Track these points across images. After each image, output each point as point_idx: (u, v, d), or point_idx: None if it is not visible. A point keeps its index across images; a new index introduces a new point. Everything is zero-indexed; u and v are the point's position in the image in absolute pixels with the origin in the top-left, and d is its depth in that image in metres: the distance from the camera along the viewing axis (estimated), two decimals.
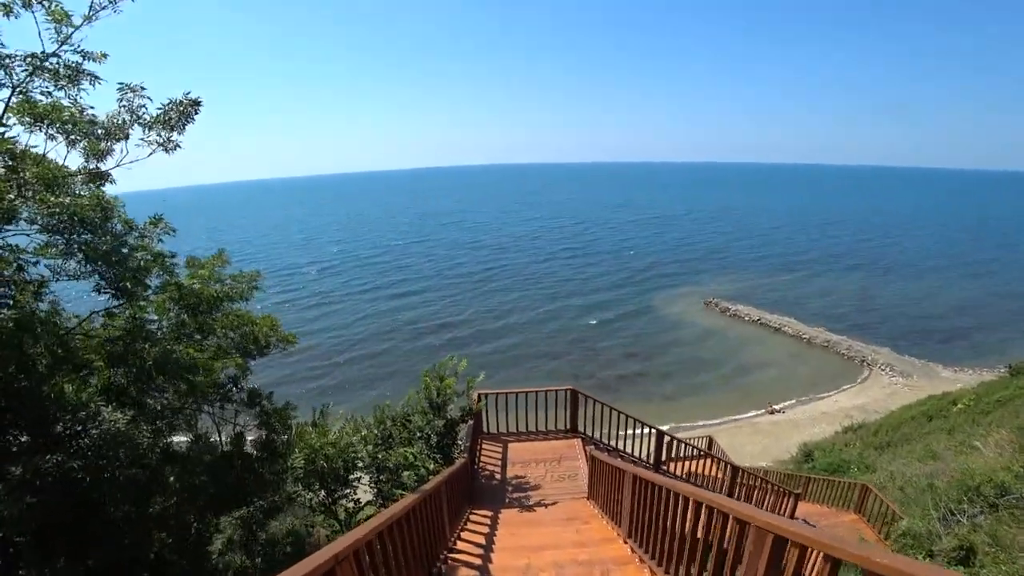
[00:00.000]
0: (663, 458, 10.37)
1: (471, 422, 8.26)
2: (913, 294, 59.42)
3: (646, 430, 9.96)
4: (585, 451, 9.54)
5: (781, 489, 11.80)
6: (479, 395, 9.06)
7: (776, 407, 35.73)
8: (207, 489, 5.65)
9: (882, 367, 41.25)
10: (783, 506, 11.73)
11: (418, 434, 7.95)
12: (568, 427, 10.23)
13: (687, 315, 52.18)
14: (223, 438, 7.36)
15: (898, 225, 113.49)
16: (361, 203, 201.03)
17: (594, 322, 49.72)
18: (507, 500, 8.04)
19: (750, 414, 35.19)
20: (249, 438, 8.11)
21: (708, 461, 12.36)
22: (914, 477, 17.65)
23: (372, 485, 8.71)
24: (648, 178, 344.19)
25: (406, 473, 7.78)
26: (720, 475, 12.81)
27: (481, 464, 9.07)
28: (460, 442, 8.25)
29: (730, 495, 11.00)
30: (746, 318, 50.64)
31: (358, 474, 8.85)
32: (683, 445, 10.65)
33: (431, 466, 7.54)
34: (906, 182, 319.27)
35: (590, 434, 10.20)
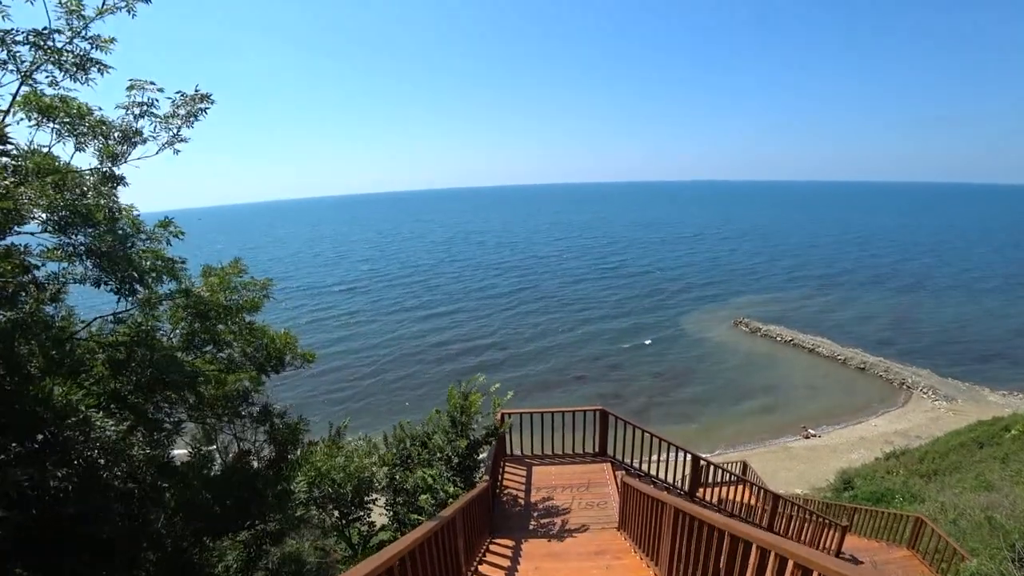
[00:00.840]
0: (695, 484, 9.71)
1: (494, 443, 7.76)
2: (954, 314, 56.95)
3: (679, 455, 9.33)
4: (615, 477, 8.94)
5: (825, 520, 10.95)
6: (503, 415, 8.56)
7: (812, 431, 34.32)
8: (207, 508, 5.25)
9: (924, 390, 39.41)
10: (828, 539, 10.89)
11: (438, 455, 7.49)
12: (597, 450, 9.62)
13: (717, 336, 50.84)
14: (229, 456, 7.03)
15: (939, 243, 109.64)
16: (390, 223, 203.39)
17: (625, 345, 48.65)
18: (530, 527, 7.48)
19: (784, 439, 33.83)
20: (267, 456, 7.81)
21: (743, 488, 11.62)
22: (968, 509, 16.51)
23: (388, 508, 8.28)
24: (671, 197, 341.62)
25: (423, 496, 7.33)
26: (756, 502, 12.02)
27: (504, 488, 8.53)
28: (483, 464, 7.76)
29: (770, 526, 10.24)
30: (778, 338, 49.08)
31: (374, 496, 8.43)
32: (720, 471, 9.94)
33: (451, 489, 7.06)
34: (945, 198, 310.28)
35: (620, 458, 9.59)
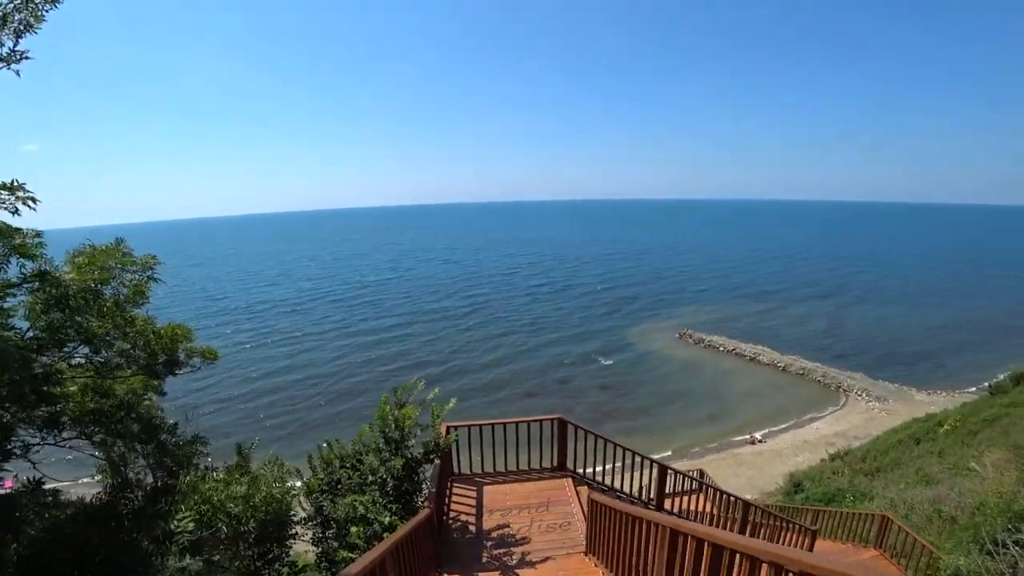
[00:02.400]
0: (660, 495, 8.86)
1: (438, 462, 6.57)
2: (882, 321, 60.17)
3: (645, 466, 8.45)
4: (578, 493, 7.95)
5: (795, 525, 10.35)
6: (448, 428, 7.40)
7: (758, 437, 34.71)
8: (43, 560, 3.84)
9: (858, 393, 40.90)
10: (799, 544, 10.28)
11: (370, 478, 6.25)
12: (556, 464, 8.55)
13: (662, 347, 51.26)
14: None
15: (864, 256, 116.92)
16: (332, 240, 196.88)
17: (572, 360, 48.14)
18: (484, 560, 6.35)
19: (732, 445, 34.04)
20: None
21: (701, 496, 10.90)
22: (917, 504, 16.57)
23: (316, 543, 6.95)
24: (615, 215, 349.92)
25: (355, 529, 6.07)
26: (715, 511, 11.35)
27: (451, 514, 7.34)
28: (425, 486, 6.57)
29: (741, 531, 9.51)
30: (721, 348, 50.03)
31: (295, 529, 7.07)
32: (686, 479, 9.12)
33: (387, 519, 5.84)
34: (873, 216, 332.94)
35: (582, 472, 8.59)
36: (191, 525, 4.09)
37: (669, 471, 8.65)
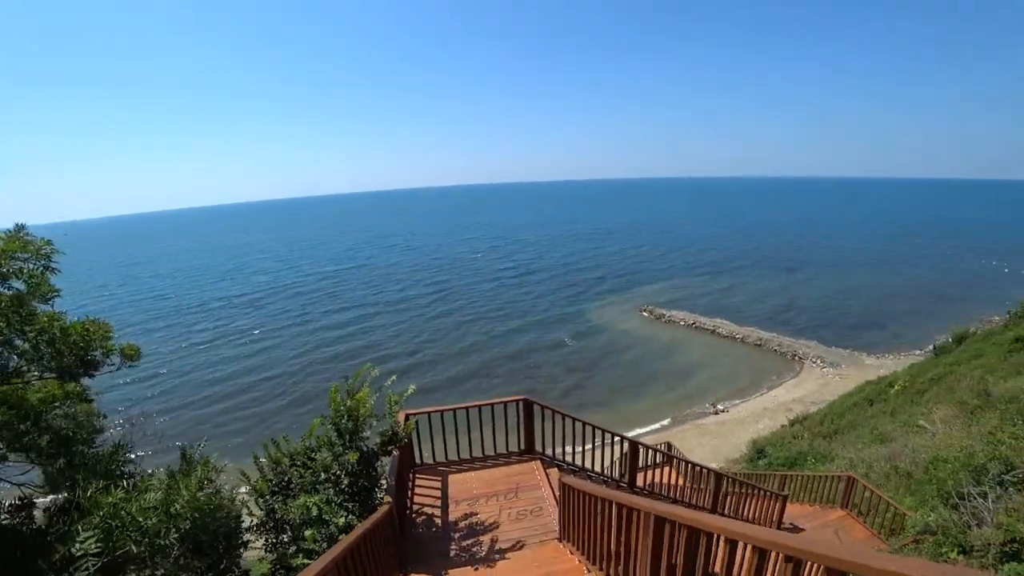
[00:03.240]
0: (633, 473, 8.64)
1: (396, 452, 6.06)
2: (832, 291, 62.27)
3: (615, 442, 8.15)
4: (548, 476, 7.59)
5: (766, 492, 10.34)
6: (407, 416, 6.89)
7: (720, 407, 35.46)
8: None
9: (813, 360, 42.21)
10: (771, 510, 10.29)
11: (323, 476, 5.71)
12: (523, 447, 8.16)
13: (624, 324, 51.69)
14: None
15: (814, 229, 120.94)
16: (290, 230, 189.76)
17: (536, 341, 47.97)
18: (452, 554, 5.93)
19: (695, 417, 34.68)
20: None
21: (669, 469, 10.77)
22: (875, 462, 17.07)
23: (269, 550, 6.38)
24: (572, 195, 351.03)
25: (309, 532, 5.54)
26: (684, 482, 11.28)
27: (415, 507, 6.87)
28: (386, 480, 6.07)
29: (714, 506, 9.40)
30: (681, 322, 50.83)
31: (246, 537, 6.48)
32: (658, 454, 8.90)
33: (342, 520, 5.33)
34: (822, 191, 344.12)
35: (551, 454, 8.24)
36: (94, 546, 3.45)
37: (640, 447, 8.40)
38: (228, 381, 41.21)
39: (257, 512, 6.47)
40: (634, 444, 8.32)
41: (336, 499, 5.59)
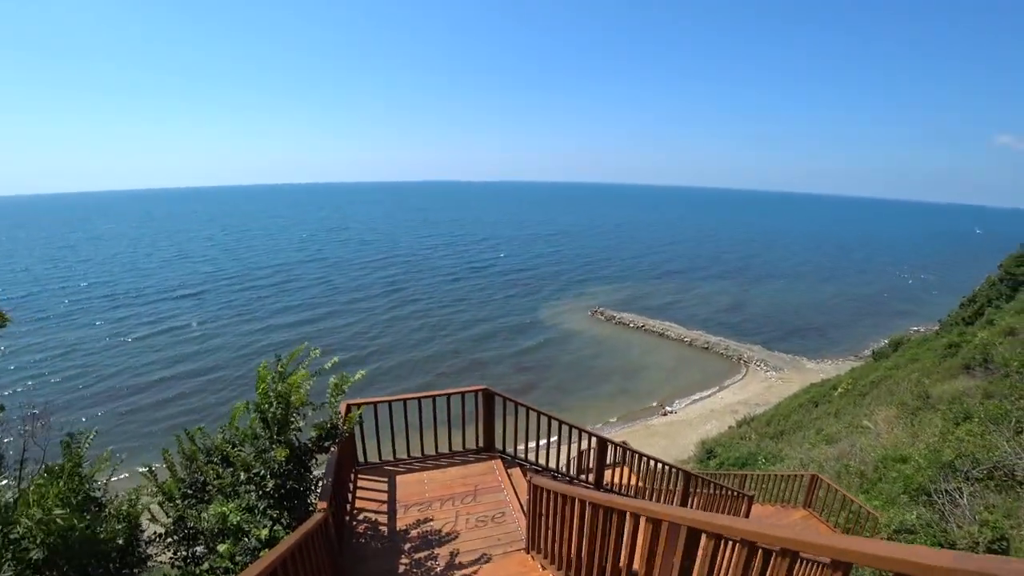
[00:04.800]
0: (591, 471, 7.96)
1: (334, 449, 5.07)
2: (776, 298, 64.66)
3: (570, 436, 7.42)
4: (509, 477, 6.74)
5: (733, 492, 9.89)
6: (349, 406, 5.89)
7: (668, 408, 35.69)
8: None
9: (757, 363, 43.26)
10: (738, 510, 9.85)
11: (242, 476, 4.66)
12: (482, 444, 7.26)
13: (575, 325, 51.60)
14: None
15: (755, 240, 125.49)
16: (233, 218, 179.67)
17: (486, 340, 47.10)
18: (402, 569, 5.00)
19: (644, 417, 34.76)
20: None
21: (624, 468, 10.17)
22: (825, 461, 17.18)
23: (176, 565, 5.26)
24: (523, 197, 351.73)
25: (223, 546, 4.49)
26: (641, 483, 10.72)
27: (356, 514, 5.88)
28: (325, 481, 5.06)
29: (683, 505, 8.83)
30: (631, 324, 51.20)
31: (146, 550, 5.31)
32: (628, 453, 8.23)
33: (264, 532, 4.32)
34: (768, 205, 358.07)
35: (513, 452, 7.40)
36: None
37: (609, 444, 7.70)
38: (165, 377, 38.19)
39: (164, 520, 5.35)
40: (602, 440, 7.61)
41: (259, 505, 4.57)
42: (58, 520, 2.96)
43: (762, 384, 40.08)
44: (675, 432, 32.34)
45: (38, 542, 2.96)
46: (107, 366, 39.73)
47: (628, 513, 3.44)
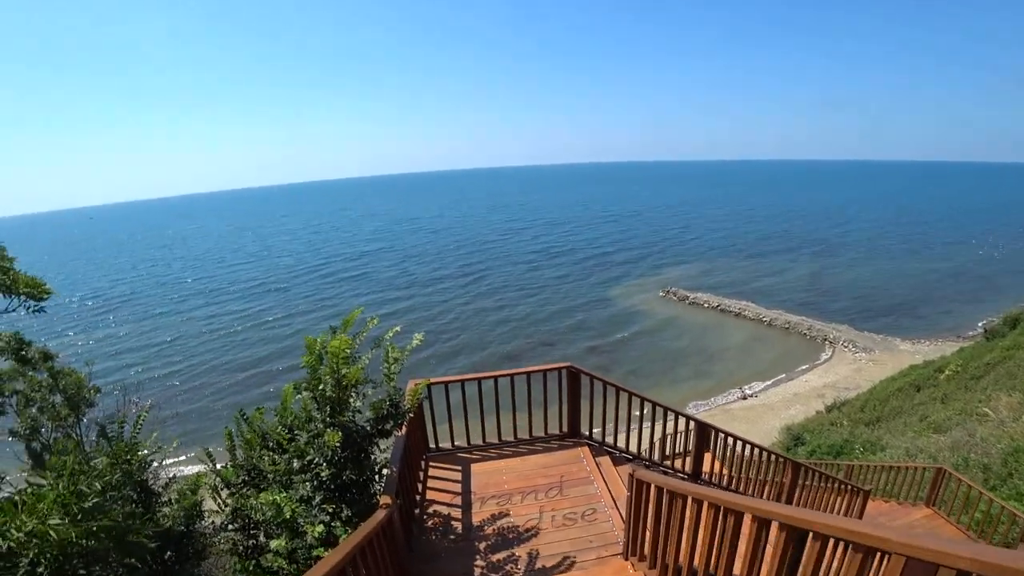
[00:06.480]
0: (677, 456, 6.96)
1: (399, 433, 4.34)
2: (860, 273, 59.79)
3: (653, 415, 6.42)
4: (598, 467, 5.85)
5: (847, 485, 8.59)
6: (416, 384, 5.18)
7: (748, 391, 33.68)
8: None
9: (844, 344, 40.12)
10: (853, 506, 8.56)
11: (296, 464, 4.03)
12: (567, 429, 6.39)
13: (646, 306, 49.73)
14: None
15: (841, 213, 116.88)
16: (314, 214, 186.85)
17: (548, 319, 46.34)
18: (476, 573, 4.26)
19: (722, 401, 32.98)
20: None
21: (708, 455, 9.02)
22: (937, 453, 15.28)
23: (236, 556, 4.76)
24: (593, 177, 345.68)
25: (276, 542, 3.88)
26: (725, 470, 9.54)
27: (426, 506, 5.18)
28: (390, 470, 4.37)
29: (788, 501, 7.68)
30: (705, 305, 48.79)
31: (212, 539, 4.85)
32: (729, 439, 7.14)
33: (319, 529, 3.67)
34: (833, 175, 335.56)
35: (601, 439, 6.47)
36: None
37: (712, 430, 6.66)
38: (251, 366, 39.85)
39: (224, 508, 4.87)
40: (702, 425, 6.59)
41: (315, 497, 3.92)
42: (51, 533, 2.35)
43: (850, 366, 37.10)
44: (756, 417, 30.50)
45: (31, 557, 2.38)
46: (201, 352, 42.12)
47: (775, 523, 2.52)
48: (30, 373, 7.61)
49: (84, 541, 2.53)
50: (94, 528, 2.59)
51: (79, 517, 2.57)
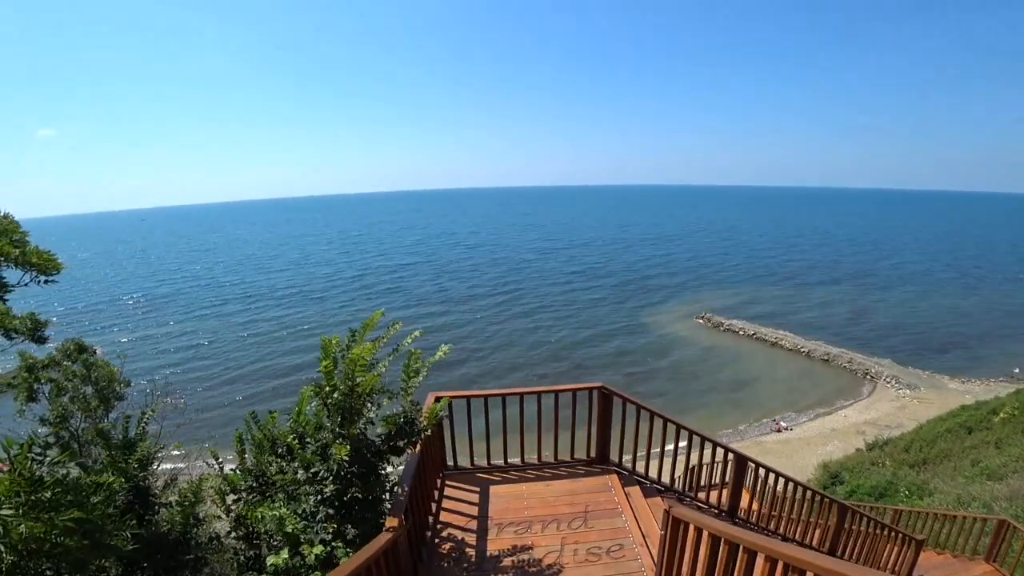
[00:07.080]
0: (711, 488, 6.41)
1: (415, 449, 4.00)
2: (908, 307, 57.26)
3: (691, 444, 5.92)
4: (627, 497, 5.39)
5: (897, 533, 7.85)
6: (437, 398, 4.83)
7: (783, 424, 32.28)
8: None
9: (887, 380, 38.25)
10: (902, 559, 7.81)
11: (302, 475, 3.73)
12: (594, 454, 5.96)
13: (680, 331, 48.55)
14: None
15: (887, 242, 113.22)
16: (348, 222, 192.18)
17: (580, 342, 45.61)
18: None
19: (755, 433, 31.66)
20: None
21: (744, 491, 8.39)
22: (993, 501, 14.26)
23: (239, 569, 4.49)
24: (626, 200, 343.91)
25: (274, 559, 3.57)
26: (758, 507, 8.84)
27: (440, 529, 4.81)
28: (400, 490, 4.02)
29: (833, 547, 7.03)
30: (740, 332, 47.38)
31: (195, 553, 4.58)
32: (770, 474, 6.58)
33: (316, 549, 3.34)
34: (892, 204, 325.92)
35: (631, 466, 6.01)
36: None
37: (750, 463, 6.13)
38: (277, 368, 40.37)
39: (225, 515, 4.63)
40: (741, 458, 6.06)
41: (319, 512, 3.60)
42: (16, 530, 2.08)
43: (893, 403, 35.27)
44: (791, 451, 29.16)
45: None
46: (236, 357, 42.87)
47: None
48: (65, 363, 7.66)
49: (50, 537, 2.26)
50: (60, 523, 2.31)
51: (38, 509, 2.30)
